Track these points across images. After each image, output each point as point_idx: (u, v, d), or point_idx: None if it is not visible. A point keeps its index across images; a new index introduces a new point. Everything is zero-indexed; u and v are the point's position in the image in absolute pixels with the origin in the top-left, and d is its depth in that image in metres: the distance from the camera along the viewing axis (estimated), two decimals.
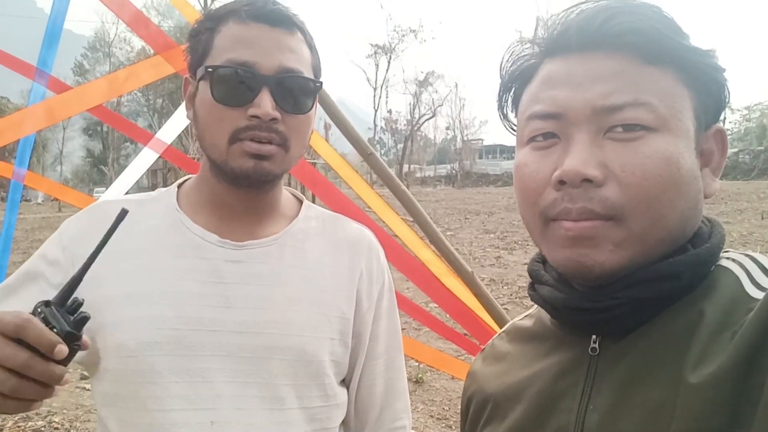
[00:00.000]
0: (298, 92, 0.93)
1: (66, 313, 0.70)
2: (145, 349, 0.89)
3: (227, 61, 0.90)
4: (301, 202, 1.10)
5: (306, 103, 0.95)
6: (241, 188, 0.96)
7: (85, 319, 0.71)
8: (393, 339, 1.12)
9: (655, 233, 0.61)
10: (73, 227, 0.98)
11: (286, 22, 0.94)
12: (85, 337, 0.72)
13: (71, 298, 0.72)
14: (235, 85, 0.90)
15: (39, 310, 0.71)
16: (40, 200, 38.65)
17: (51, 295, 0.93)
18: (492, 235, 13.70)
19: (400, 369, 1.13)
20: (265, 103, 0.89)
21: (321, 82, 0.98)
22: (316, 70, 0.99)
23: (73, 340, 0.69)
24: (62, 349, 0.67)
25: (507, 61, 0.74)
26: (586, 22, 0.65)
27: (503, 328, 0.90)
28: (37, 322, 0.69)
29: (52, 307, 0.71)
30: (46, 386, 0.71)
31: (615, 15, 0.63)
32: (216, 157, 0.93)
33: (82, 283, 0.92)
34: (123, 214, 0.74)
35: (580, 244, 0.62)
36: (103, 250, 0.89)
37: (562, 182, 0.62)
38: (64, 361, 0.70)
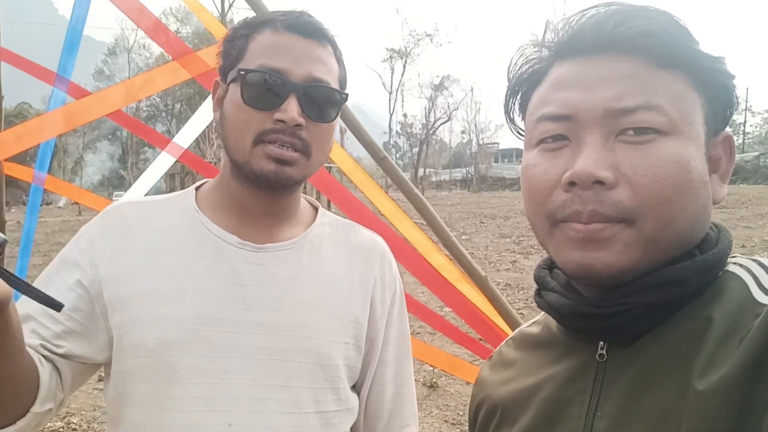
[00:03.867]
0: (324, 102, 0.96)
1: None
2: (164, 348, 0.90)
3: (259, 66, 0.93)
4: (316, 209, 1.12)
5: (330, 113, 0.98)
6: (260, 191, 0.98)
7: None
8: (402, 345, 1.13)
9: (665, 236, 0.61)
10: (90, 230, 1.01)
11: (319, 35, 0.97)
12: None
13: None
14: (265, 90, 0.93)
15: None
16: (61, 204, 39.20)
17: (68, 297, 0.95)
18: (508, 240, 13.61)
19: (408, 375, 1.14)
20: (292, 109, 0.92)
21: (347, 94, 1.01)
22: (342, 83, 1.02)
23: None
24: None
25: (515, 64, 0.74)
26: (598, 25, 0.65)
27: (510, 335, 0.89)
28: None
29: None
30: None
31: (628, 18, 0.63)
32: (239, 157, 0.95)
33: (101, 282, 0.94)
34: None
35: (589, 246, 0.62)
36: (122, 250, 0.86)
37: (572, 184, 0.62)
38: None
